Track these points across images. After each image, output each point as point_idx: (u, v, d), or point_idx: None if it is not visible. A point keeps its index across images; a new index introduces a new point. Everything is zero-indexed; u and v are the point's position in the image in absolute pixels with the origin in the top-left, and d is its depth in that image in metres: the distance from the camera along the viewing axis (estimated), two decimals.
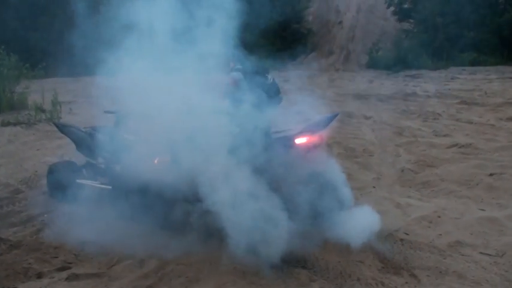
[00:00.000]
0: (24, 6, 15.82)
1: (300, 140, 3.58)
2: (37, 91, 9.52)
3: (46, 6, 17.33)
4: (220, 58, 3.68)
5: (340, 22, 23.63)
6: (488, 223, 3.77)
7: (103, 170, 4.27)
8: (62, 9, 15.25)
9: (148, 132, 3.43)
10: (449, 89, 11.98)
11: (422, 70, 16.89)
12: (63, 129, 4.71)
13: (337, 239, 3.25)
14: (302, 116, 3.89)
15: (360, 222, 3.28)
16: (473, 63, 17.65)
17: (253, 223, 2.96)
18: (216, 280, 2.90)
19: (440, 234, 3.58)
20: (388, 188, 4.81)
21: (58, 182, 4.27)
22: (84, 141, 4.38)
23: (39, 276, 3.03)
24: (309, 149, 3.62)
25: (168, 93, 3.39)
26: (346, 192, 3.48)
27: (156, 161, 3.51)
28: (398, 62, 17.90)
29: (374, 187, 4.81)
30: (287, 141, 3.56)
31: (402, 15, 22.12)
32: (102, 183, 4.08)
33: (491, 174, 5.02)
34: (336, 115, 3.87)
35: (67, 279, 2.98)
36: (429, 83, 13.67)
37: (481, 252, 3.29)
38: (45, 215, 4.03)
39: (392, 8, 22.55)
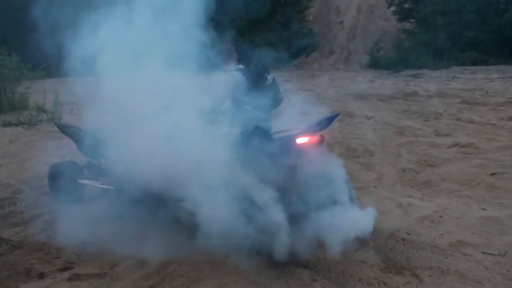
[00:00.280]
0: (25, 7, 15.81)
1: (301, 140, 3.57)
2: (38, 91, 9.51)
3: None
4: (220, 58, 3.69)
5: (341, 22, 23.66)
6: (489, 223, 3.77)
7: (105, 170, 4.26)
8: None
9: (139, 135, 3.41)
10: (451, 89, 11.98)
11: (423, 70, 16.89)
12: (64, 129, 4.70)
13: (337, 238, 3.24)
14: (303, 116, 3.89)
15: (360, 222, 3.27)
16: (474, 62, 17.69)
17: (253, 223, 2.96)
18: (218, 280, 2.89)
19: (442, 234, 3.58)
20: (390, 187, 4.80)
21: (60, 183, 4.27)
22: (86, 141, 4.38)
23: (41, 276, 3.03)
24: (310, 149, 3.61)
25: (168, 93, 3.39)
26: (348, 191, 3.47)
27: (156, 162, 3.50)
28: (399, 62, 17.92)
29: (375, 187, 4.81)
30: (288, 141, 3.55)
31: (403, 15, 22.17)
32: (104, 184, 4.08)
33: (492, 174, 5.01)
34: (336, 115, 3.86)
35: (69, 279, 2.97)
36: (430, 82, 13.68)
37: (483, 252, 3.28)
38: (47, 216, 4.03)
39: (393, 8, 22.61)
